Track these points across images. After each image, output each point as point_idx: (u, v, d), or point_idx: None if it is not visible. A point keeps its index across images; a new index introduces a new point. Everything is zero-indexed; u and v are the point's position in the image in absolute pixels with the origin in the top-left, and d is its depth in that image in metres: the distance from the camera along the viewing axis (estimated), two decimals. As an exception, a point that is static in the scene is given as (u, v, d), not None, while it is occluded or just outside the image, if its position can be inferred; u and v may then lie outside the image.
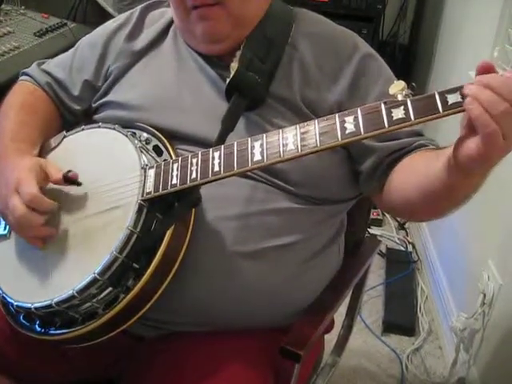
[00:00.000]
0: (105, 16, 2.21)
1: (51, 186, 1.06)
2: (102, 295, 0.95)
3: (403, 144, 1.08)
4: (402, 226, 2.71)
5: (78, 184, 1.04)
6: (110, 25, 1.27)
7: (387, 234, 2.65)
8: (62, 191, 1.06)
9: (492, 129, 0.74)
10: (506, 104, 0.74)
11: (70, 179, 1.03)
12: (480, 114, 0.74)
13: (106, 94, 1.22)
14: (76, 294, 0.93)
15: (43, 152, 1.15)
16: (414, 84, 0.84)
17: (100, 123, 1.13)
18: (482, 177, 0.88)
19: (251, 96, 1.07)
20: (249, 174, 1.07)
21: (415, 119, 0.79)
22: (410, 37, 3.25)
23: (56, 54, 1.36)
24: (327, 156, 1.08)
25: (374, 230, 2.63)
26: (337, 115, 0.85)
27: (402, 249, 2.59)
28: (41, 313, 0.98)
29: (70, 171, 1.03)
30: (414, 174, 1.02)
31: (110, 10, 2.18)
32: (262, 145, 0.89)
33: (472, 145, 0.77)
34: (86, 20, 2.28)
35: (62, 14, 2.17)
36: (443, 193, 0.92)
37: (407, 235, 2.66)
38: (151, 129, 1.10)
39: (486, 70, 0.78)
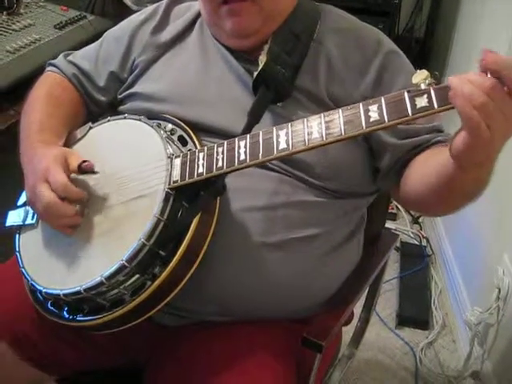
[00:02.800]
0: (123, 9, 2.21)
1: (78, 175, 1.07)
2: (129, 282, 0.97)
3: (422, 141, 1.09)
4: (416, 220, 2.71)
5: (94, 173, 1.05)
6: (135, 18, 1.28)
7: (401, 227, 2.64)
8: (90, 180, 1.07)
9: (476, 120, 0.76)
10: (485, 96, 0.75)
11: (83, 170, 1.05)
12: (462, 104, 0.76)
13: (131, 85, 1.23)
14: (104, 281, 0.95)
15: (69, 143, 1.17)
16: (436, 73, 0.84)
17: (126, 114, 1.15)
18: (484, 171, 0.88)
19: (277, 89, 1.08)
20: (275, 167, 1.08)
21: (438, 107, 0.80)
22: (426, 31, 3.24)
23: (76, 47, 1.38)
24: (351, 150, 1.10)
25: (388, 224, 2.60)
26: (361, 104, 0.86)
27: (416, 243, 2.59)
28: (69, 299, 0.99)
29: (85, 161, 1.05)
30: (423, 169, 1.04)
31: (128, 2, 2.18)
32: (287, 133, 0.90)
33: (459, 138, 0.79)
34: (104, 12, 2.28)
35: (80, 7, 2.17)
36: (447, 187, 0.93)
37: (421, 229, 2.66)
38: (176, 120, 1.11)
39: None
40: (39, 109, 1.18)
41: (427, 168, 1.01)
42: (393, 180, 1.12)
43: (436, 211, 1.21)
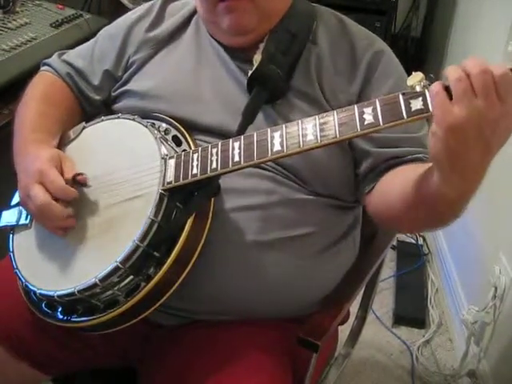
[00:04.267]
0: (119, 7, 2.21)
1: None
2: (123, 283, 0.96)
3: (400, 153, 1.07)
4: (412, 219, 2.70)
5: (86, 186, 1.05)
6: (130, 15, 1.27)
7: (397, 226, 2.64)
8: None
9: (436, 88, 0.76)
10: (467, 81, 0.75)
11: (77, 182, 1.04)
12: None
13: (126, 83, 1.22)
14: (98, 282, 0.94)
15: (63, 143, 1.16)
16: (431, 75, 0.84)
17: (119, 114, 1.14)
18: (460, 198, 0.85)
19: (272, 89, 1.08)
20: (268, 167, 1.08)
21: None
22: (423, 30, 3.24)
23: (72, 45, 1.37)
24: (335, 155, 1.09)
25: (384, 223, 2.63)
26: (355, 106, 0.85)
27: (413, 241, 2.59)
28: (63, 301, 0.99)
29: (80, 174, 1.05)
30: (398, 181, 1.02)
31: (125, 1, 2.18)
32: (281, 135, 0.90)
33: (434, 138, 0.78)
34: (100, 11, 2.28)
35: (76, 5, 2.17)
36: (419, 203, 0.91)
37: (418, 228, 2.65)
38: (170, 119, 1.10)
39: None
40: (32, 108, 1.18)
41: (402, 180, 0.99)
42: (365, 187, 1.11)
43: (402, 227, 1.17)
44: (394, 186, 1.02)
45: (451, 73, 0.76)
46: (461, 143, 0.76)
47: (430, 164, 0.87)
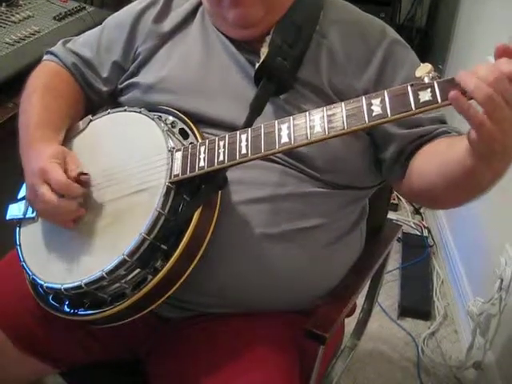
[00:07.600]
0: (122, 0, 2.20)
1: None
2: (130, 276, 0.96)
3: (426, 131, 1.07)
4: (417, 211, 2.70)
5: (89, 186, 1.05)
6: (136, 5, 1.25)
7: (403, 218, 2.64)
8: (90, 175, 1.06)
9: (479, 119, 0.76)
10: (489, 89, 0.74)
11: (79, 182, 1.03)
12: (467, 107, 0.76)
13: (132, 75, 1.21)
14: (105, 275, 0.94)
15: (69, 136, 1.15)
16: (440, 66, 0.83)
17: (126, 107, 1.14)
18: (502, 162, 0.86)
19: (279, 81, 1.07)
20: (277, 159, 1.07)
21: (442, 101, 0.79)
22: (427, 21, 3.23)
23: (76, 38, 1.36)
24: (351, 143, 1.09)
25: (389, 215, 2.60)
26: (363, 98, 0.85)
27: (418, 233, 2.59)
28: (70, 294, 0.99)
29: (84, 174, 1.04)
30: (435, 159, 1.02)
31: (128, -8, 2.17)
32: (289, 127, 0.90)
33: (472, 132, 0.80)
34: (103, 4, 2.27)
35: (79, -2, 2.16)
36: (464, 178, 0.91)
37: (423, 220, 2.66)
38: (177, 112, 1.10)
39: (505, 53, 0.77)
40: (37, 102, 1.16)
41: (439, 157, 0.99)
42: (397, 172, 1.11)
43: (443, 204, 1.20)
44: (431, 167, 1.02)
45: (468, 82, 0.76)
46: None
47: (460, 138, 0.89)
